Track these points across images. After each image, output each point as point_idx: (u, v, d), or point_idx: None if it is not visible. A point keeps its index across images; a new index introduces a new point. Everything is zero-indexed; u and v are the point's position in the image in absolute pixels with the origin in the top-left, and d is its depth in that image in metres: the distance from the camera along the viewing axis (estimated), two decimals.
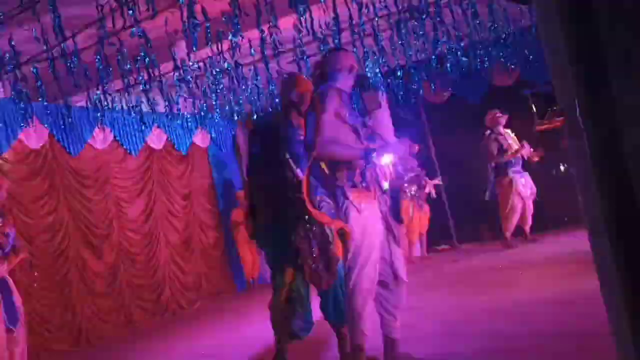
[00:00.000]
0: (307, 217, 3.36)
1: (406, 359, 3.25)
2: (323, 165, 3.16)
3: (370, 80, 7.83)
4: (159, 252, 8.35)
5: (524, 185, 7.62)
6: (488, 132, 7.76)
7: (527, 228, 7.78)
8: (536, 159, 7.57)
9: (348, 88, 3.38)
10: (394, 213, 3.31)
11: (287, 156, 3.50)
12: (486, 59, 7.86)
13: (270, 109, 8.58)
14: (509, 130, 7.73)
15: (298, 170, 3.36)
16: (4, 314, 3.73)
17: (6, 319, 3.73)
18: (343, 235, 3.15)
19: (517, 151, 7.50)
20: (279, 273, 3.61)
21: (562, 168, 8.58)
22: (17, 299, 3.99)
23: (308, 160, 3.22)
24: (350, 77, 3.37)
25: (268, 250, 3.74)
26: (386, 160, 3.17)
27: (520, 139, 7.62)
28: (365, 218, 3.11)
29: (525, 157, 7.59)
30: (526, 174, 7.72)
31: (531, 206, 7.72)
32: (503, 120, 7.71)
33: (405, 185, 8.11)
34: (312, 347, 4.11)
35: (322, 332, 3.95)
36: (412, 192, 8.20)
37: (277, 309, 3.62)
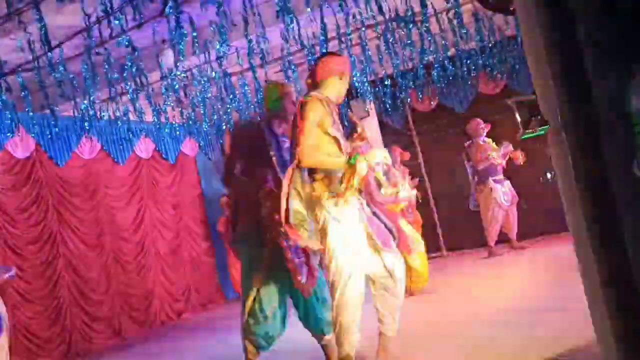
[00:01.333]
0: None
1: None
2: (301, 177, 3.15)
3: (358, 90, 7.87)
4: (149, 262, 8.31)
5: (505, 193, 7.66)
6: (469, 142, 7.82)
7: (513, 235, 7.82)
8: (521, 159, 7.58)
9: (339, 95, 3.35)
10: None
11: (274, 160, 3.50)
12: (473, 68, 7.94)
13: (250, 119, 8.60)
14: (489, 140, 7.79)
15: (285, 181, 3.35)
16: None
17: None
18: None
19: (503, 155, 7.57)
20: (248, 281, 3.57)
21: (548, 175, 8.64)
22: (2, 307, 3.93)
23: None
24: (342, 83, 3.32)
25: (243, 259, 3.70)
26: (364, 167, 3.15)
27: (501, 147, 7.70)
28: (345, 227, 3.08)
29: (510, 156, 7.61)
30: (507, 182, 7.76)
31: (515, 213, 7.76)
32: (484, 131, 7.77)
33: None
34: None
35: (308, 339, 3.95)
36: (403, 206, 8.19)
37: (244, 318, 3.60)
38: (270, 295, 3.54)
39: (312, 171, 3.15)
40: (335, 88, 3.30)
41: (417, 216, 8.42)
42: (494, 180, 7.63)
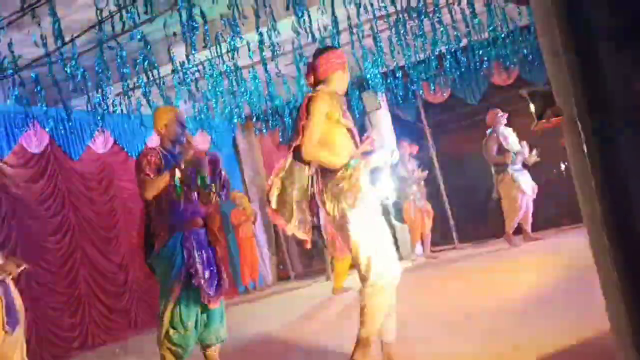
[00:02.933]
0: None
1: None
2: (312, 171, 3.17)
3: (370, 82, 7.85)
4: None
5: (526, 182, 7.62)
6: (489, 131, 7.77)
7: (528, 227, 7.78)
8: (535, 159, 7.57)
9: (343, 88, 3.36)
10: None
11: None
12: (485, 58, 7.88)
13: (270, 111, 8.61)
14: (510, 129, 7.73)
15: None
16: (4, 316, 3.72)
17: (6, 321, 3.72)
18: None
19: (516, 154, 7.53)
20: (167, 290, 3.67)
21: (562, 166, 8.58)
22: (18, 301, 3.97)
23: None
24: (344, 76, 3.33)
25: (159, 272, 3.77)
26: (374, 164, 3.18)
27: (520, 138, 7.63)
28: (364, 214, 3.09)
29: (525, 158, 7.59)
30: (526, 172, 7.72)
31: (531, 205, 7.72)
32: (504, 119, 7.71)
33: (412, 187, 8.13)
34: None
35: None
36: (413, 194, 8.20)
37: (163, 330, 3.68)
38: (189, 308, 3.67)
39: (322, 170, 3.16)
40: (341, 81, 3.32)
41: (427, 206, 8.42)
42: (514, 170, 7.59)
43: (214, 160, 3.86)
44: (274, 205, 3.14)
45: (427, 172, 8.47)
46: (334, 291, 6.87)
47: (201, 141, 9.48)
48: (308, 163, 3.17)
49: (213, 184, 3.77)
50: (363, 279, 3.10)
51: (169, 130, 3.86)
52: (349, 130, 3.23)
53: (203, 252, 3.71)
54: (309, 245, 3.35)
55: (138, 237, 3.88)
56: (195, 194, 3.77)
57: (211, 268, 3.72)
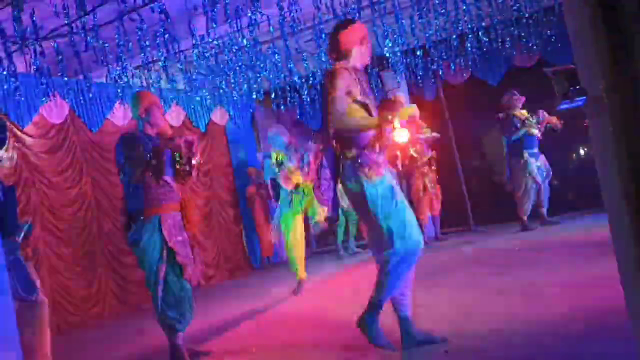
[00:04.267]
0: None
1: (424, 335, 3.28)
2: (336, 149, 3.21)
3: (390, 60, 7.77)
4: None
5: (539, 168, 7.55)
6: (502, 114, 7.66)
7: (544, 211, 7.72)
8: (558, 124, 7.47)
9: (364, 61, 3.39)
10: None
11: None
12: (507, 39, 7.76)
13: (289, 87, 8.58)
14: (524, 111, 7.64)
15: None
16: (18, 287, 3.77)
17: (21, 289, 3.78)
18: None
19: (540, 124, 7.46)
20: (153, 273, 3.89)
21: (582, 150, 8.47)
22: (33, 272, 4.03)
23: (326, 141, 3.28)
24: (364, 49, 3.35)
25: (140, 253, 3.92)
26: (402, 137, 3.20)
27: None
28: (384, 188, 3.15)
29: (547, 123, 7.50)
30: (542, 155, 7.64)
31: (547, 188, 7.65)
32: (520, 102, 7.61)
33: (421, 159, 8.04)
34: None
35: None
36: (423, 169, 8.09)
37: (158, 306, 3.91)
38: (174, 282, 3.92)
39: (345, 146, 3.20)
40: (360, 55, 3.34)
41: (437, 190, 8.34)
42: (530, 154, 7.52)
43: (190, 142, 3.96)
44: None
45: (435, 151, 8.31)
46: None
47: (220, 116, 9.52)
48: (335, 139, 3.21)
49: (187, 165, 3.97)
50: (386, 247, 3.16)
51: (150, 114, 3.99)
52: (366, 107, 3.23)
53: (180, 234, 3.95)
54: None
55: (122, 218, 4.03)
56: (171, 172, 3.96)
57: (187, 250, 3.99)
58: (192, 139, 3.98)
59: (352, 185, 3.21)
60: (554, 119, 7.46)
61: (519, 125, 7.49)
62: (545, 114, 7.49)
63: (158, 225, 3.85)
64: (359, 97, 3.20)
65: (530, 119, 7.52)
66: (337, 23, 3.46)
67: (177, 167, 3.98)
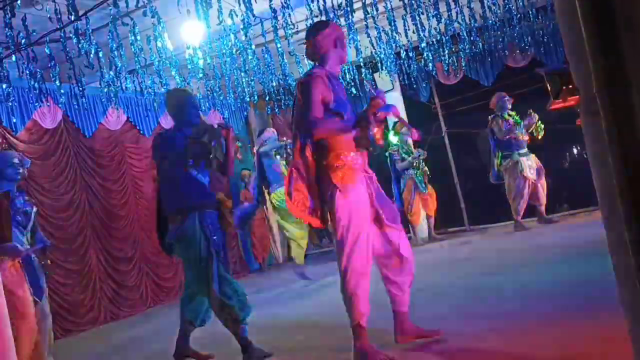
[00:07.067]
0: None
1: (416, 331, 3.28)
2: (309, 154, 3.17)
3: (382, 61, 7.78)
4: None
5: (531, 166, 7.55)
6: (492, 115, 7.67)
7: (542, 208, 7.71)
8: (538, 134, 7.48)
9: (339, 63, 3.33)
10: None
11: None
12: (500, 40, 7.79)
13: (283, 90, 8.58)
14: (513, 113, 7.65)
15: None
16: (30, 287, 3.80)
17: (32, 292, 3.80)
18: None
19: (527, 126, 7.46)
20: (203, 272, 3.74)
21: (574, 149, 8.50)
22: (41, 274, 4.09)
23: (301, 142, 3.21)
24: (340, 50, 3.28)
25: (183, 254, 3.85)
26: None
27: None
28: (350, 201, 3.09)
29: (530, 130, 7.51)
30: (532, 155, 7.64)
31: (544, 185, 7.64)
32: (509, 104, 7.62)
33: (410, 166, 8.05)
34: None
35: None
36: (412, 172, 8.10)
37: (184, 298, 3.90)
38: (193, 282, 3.82)
39: (320, 148, 3.16)
40: (337, 57, 3.28)
41: (430, 189, 8.35)
42: (520, 154, 7.52)
43: (227, 129, 3.90)
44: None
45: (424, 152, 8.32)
46: None
47: (214, 119, 9.50)
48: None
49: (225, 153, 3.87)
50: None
51: (182, 112, 3.88)
52: (339, 115, 3.16)
53: (219, 232, 3.79)
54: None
55: (152, 218, 3.96)
56: (215, 165, 3.85)
57: (225, 249, 3.83)
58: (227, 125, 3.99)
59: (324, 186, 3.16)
60: (533, 127, 7.47)
61: (508, 131, 7.49)
62: (536, 118, 7.47)
63: (199, 222, 3.74)
64: (332, 105, 3.14)
65: (520, 122, 7.51)
66: (308, 29, 3.41)
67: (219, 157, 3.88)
